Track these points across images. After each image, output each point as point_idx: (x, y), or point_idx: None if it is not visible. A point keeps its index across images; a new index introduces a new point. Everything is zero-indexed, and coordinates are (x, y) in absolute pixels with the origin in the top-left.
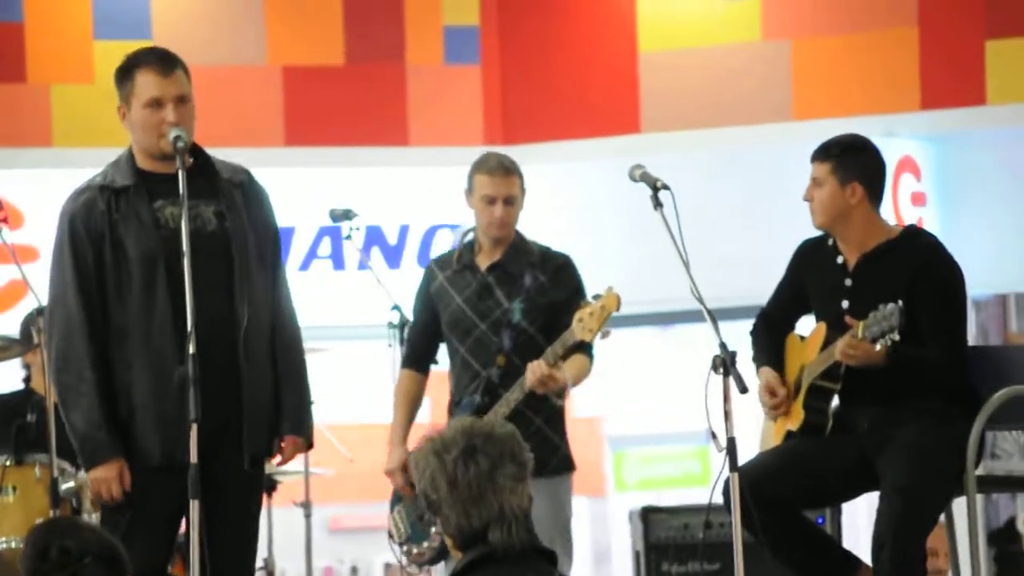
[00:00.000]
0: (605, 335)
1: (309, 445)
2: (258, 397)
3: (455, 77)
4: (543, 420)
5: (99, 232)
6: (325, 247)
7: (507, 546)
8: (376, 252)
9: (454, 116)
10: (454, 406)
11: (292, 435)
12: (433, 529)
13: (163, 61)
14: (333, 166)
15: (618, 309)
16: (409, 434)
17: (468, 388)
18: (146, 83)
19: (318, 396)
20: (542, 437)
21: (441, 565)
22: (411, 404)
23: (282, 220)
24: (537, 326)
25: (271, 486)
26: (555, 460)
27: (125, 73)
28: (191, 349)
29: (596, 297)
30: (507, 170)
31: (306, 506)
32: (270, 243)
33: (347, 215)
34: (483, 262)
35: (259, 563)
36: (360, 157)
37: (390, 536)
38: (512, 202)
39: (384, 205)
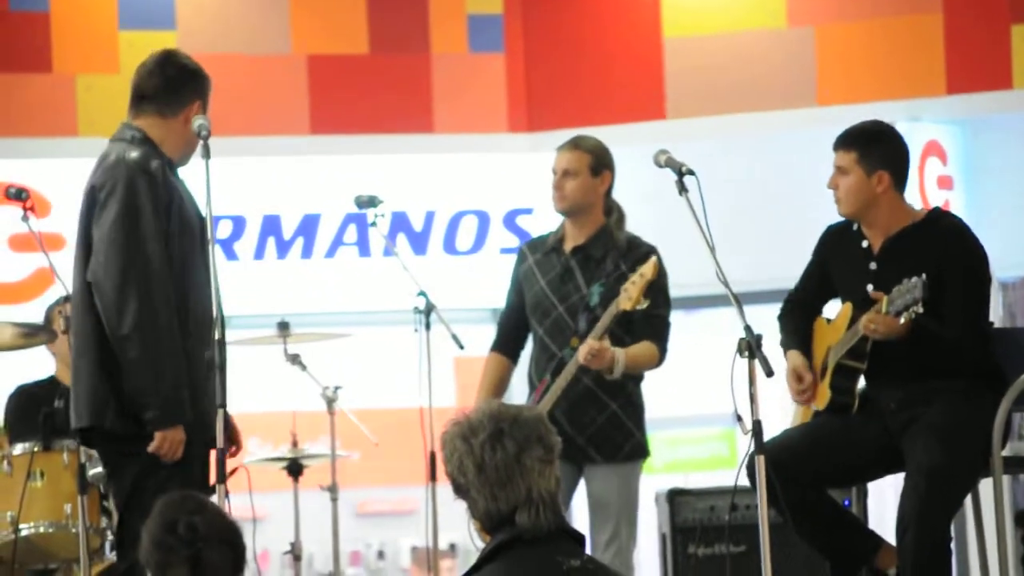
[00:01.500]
0: (645, 303)
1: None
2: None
3: (480, 65)
4: (619, 405)
5: (166, 201)
6: (351, 234)
7: (535, 528)
8: (402, 238)
9: (479, 103)
10: (530, 387)
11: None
12: None
13: None
14: (358, 154)
15: (654, 275)
16: None
17: (545, 368)
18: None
19: (339, 381)
20: (617, 422)
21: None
22: (494, 388)
23: (308, 207)
24: None
25: (297, 470)
26: (628, 446)
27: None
28: (217, 335)
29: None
30: (571, 146)
31: (332, 490)
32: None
33: (372, 202)
34: (568, 245)
35: (286, 547)
36: (385, 144)
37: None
38: (571, 175)
39: (409, 192)
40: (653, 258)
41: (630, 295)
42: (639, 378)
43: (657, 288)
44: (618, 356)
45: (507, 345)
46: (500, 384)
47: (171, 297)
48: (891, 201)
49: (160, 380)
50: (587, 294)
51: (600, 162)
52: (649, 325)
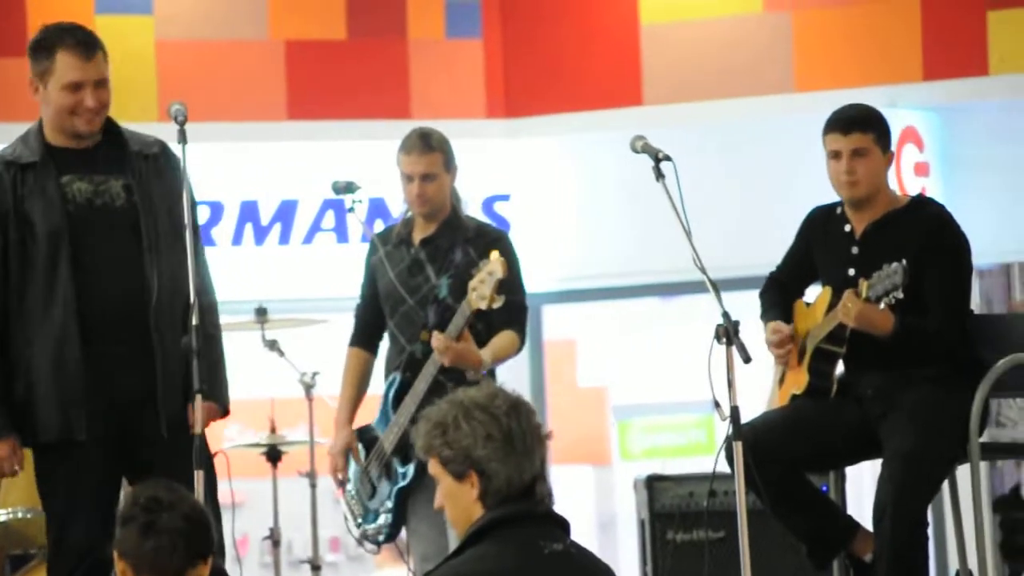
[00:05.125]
0: (500, 300)
1: (225, 411)
2: (170, 365)
3: (457, 51)
4: None
5: (4, 208)
6: (328, 220)
7: (549, 499)
8: (380, 225)
9: (456, 89)
10: (385, 382)
11: (205, 401)
12: (381, 508)
13: (85, 45)
14: (336, 139)
15: (504, 273)
16: (355, 415)
17: (395, 364)
18: (67, 66)
19: (317, 367)
20: None
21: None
22: (357, 384)
23: (285, 193)
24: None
25: (276, 456)
26: None
27: (45, 51)
28: (194, 320)
29: (484, 263)
30: (424, 147)
31: (311, 476)
32: (185, 213)
33: (350, 188)
34: (417, 237)
35: (265, 532)
36: (363, 130)
37: (345, 517)
38: (431, 179)
39: (387, 178)
40: (497, 255)
41: (482, 294)
42: (493, 372)
43: (510, 276)
44: (484, 357)
45: (365, 338)
46: (363, 379)
47: None
48: (885, 184)
49: None
50: (436, 285)
51: (449, 158)
52: (506, 312)
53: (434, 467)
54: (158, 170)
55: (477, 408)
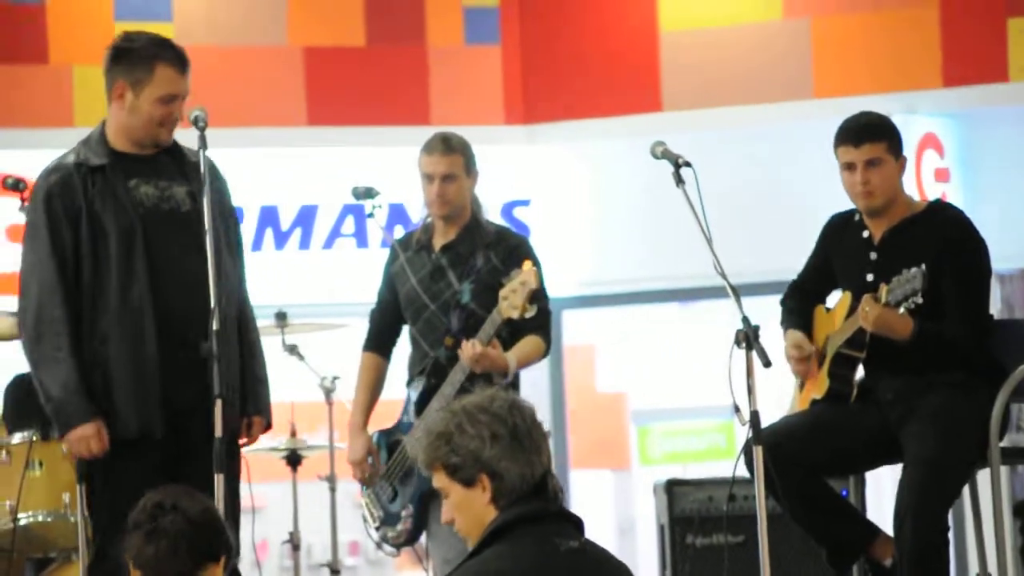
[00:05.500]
0: (532, 310)
1: (269, 425)
2: (232, 377)
3: (476, 57)
4: None
5: (76, 209)
6: (348, 225)
7: (561, 495)
8: (399, 230)
9: (475, 96)
10: (407, 387)
11: (256, 416)
12: (403, 512)
13: (181, 60)
14: (355, 145)
15: (537, 283)
16: (369, 420)
17: (417, 369)
18: (167, 79)
19: (336, 372)
20: None
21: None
22: (372, 389)
23: (305, 199)
24: (487, 308)
25: (296, 460)
26: None
27: (143, 61)
28: (215, 325)
29: (516, 273)
30: (445, 148)
31: (331, 480)
32: (233, 227)
33: (369, 193)
34: (438, 243)
35: (285, 536)
36: (382, 136)
37: (364, 520)
38: (451, 180)
39: (407, 184)
40: (530, 266)
41: (513, 304)
42: (517, 377)
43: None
44: (510, 362)
45: (380, 343)
46: (377, 384)
47: (64, 314)
48: (901, 191)
49: (47, 394)
50: (459, 291)
51: (470, 161)
52: (533, 319)
53: (440, 480)
54: (210, 182)
55: (478, 411)
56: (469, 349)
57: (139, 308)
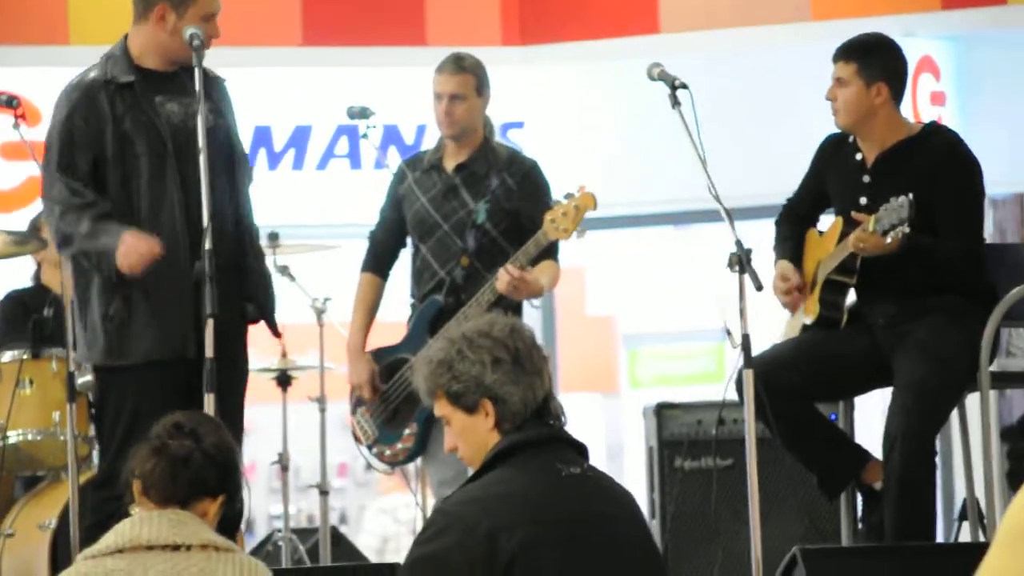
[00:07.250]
0: (581, 234)
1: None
2: (259, 287)
3: None
4: None
5: (101, 125)
6: (342, 146)
7: (563, 417)
8: (393, 151)
9: (472, 16)
10: (415, 306)
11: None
12: (406, 431)
13: None
14: (350, 65)
15: (594, 208)
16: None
17: (428, 288)
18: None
19: (328, 293)
20: None
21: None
22: (370, 310)
23: (299, 119)
24: (500, 229)
25: (286, 381)
26: None
27: None
28: (207, 245)
29: (568, 196)
30: (456, 68)
31: (321, 401)
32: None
33: (364, 113)
34: (449, 163)
35: (274, 457)
36: (378, 57)
37: (356, 439)
38: (459, 100)
39: (401, 105)
40: (588, 190)
41: (562, 226)
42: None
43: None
44: (544, 285)
45: (380, 264)
46: (375, 305)
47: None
48: (888, 114)
49: (81, 245)
50: (474, 211)
51: (482, 82)
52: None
53: (442, 407)
54: (223, 99)
55: (479, 336)
56: (506, 274)
57: (172, 228)
